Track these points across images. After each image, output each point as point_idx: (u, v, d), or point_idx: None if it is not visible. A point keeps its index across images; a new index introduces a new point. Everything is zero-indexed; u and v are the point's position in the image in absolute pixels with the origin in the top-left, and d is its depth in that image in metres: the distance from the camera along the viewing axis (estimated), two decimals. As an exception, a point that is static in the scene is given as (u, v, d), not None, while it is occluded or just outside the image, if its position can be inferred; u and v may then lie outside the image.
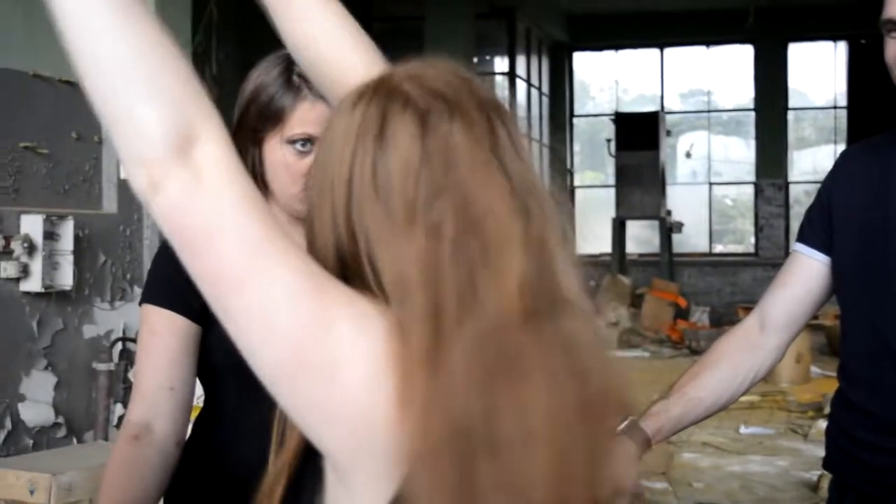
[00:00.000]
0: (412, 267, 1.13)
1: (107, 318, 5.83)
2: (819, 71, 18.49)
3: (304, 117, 2.00)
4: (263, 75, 2.05)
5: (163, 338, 2.01)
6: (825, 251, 2.23)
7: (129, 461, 1.91)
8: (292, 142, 2.01)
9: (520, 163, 1.21)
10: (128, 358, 5.83)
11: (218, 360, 2.03)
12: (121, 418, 5.81)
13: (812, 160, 18.90)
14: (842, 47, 17.60)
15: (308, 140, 2.00)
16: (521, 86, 17.37)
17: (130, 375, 5.70)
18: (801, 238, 2.29)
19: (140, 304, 2.09)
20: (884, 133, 2.20)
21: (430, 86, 1.25)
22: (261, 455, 2.04)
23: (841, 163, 2.29)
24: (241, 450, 2.06)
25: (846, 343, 2.24)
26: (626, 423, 2.15)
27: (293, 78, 2.01)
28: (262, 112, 2.03)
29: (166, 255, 2.07)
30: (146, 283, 2.12)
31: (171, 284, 1.99)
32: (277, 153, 2.03)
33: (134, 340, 5.73)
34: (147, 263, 6.03)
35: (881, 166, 2.15)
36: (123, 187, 5.97)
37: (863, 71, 16.13)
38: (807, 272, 2.26)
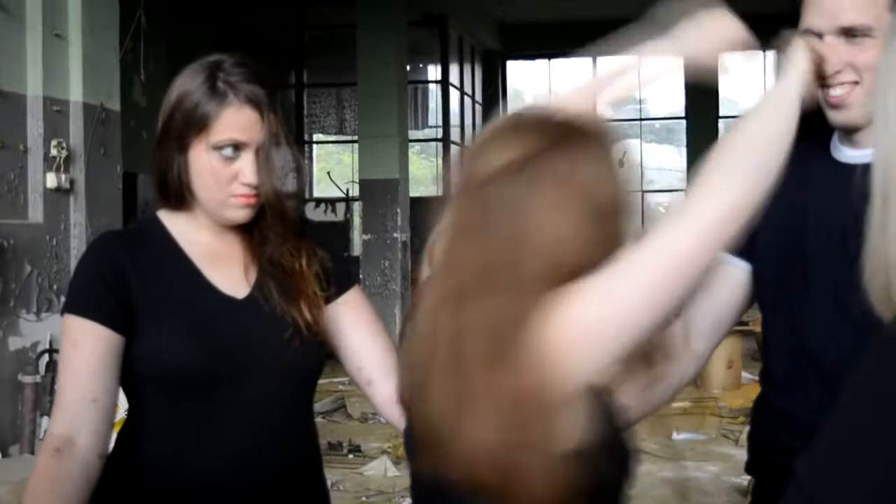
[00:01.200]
0: None
1: (33, 330, 5.73)
2: (748, 79, 18.72)
3: (229, 123, 1.99)
4: (188, 82, 2.03)
5: (85, 349, 1.97)
6: (745, 258, 2.24)
7: (51, 475, 1.88)
8: (218, 148, 1.99)
9: None
10: (54, 370, 5.73)
11: (140, 370, 2.01)
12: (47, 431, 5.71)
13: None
14: (770, 56, 17.84)
15: (234, 146, 1.99)
16: (454, 94, 17.39)
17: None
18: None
19: (62, 313, 2.05)
20: (805, 141, 2.21)
21: None
22: (183, 467, 2.02)
23: None
24: (164, 461, 2.03)
25: (768, 349, 2.25)
26: None
27: (218, 84, 2.00)
28: (186, 119, 2.01)
29: (88, 265, 2.06)
30: (68, 293, 2.08)
31: (94, 294, 1.99)
32: (203, 160, 2.01)
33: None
34: (74, 274, 5.94)
35: (800, 173, 2.16)
36: (49, 197, 5.87)
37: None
38: (729, 279, 2.27)
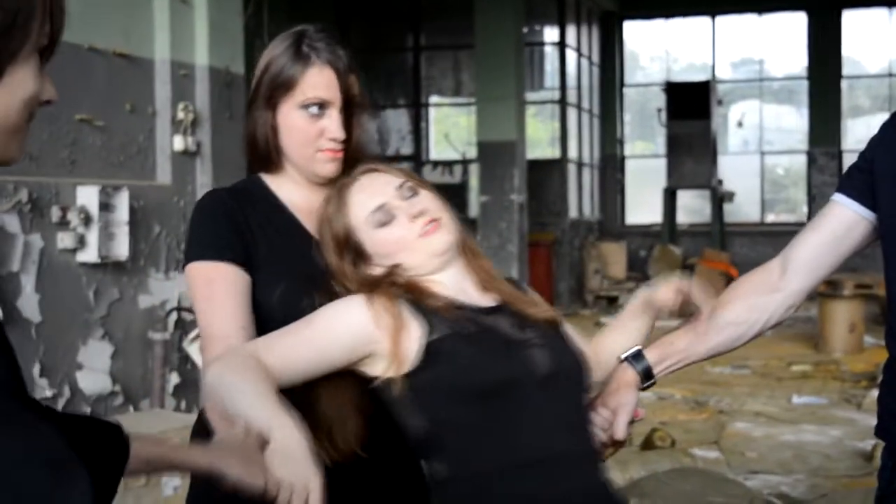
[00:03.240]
0: None
1: (162, 289, 5.90)
2: (873, 38, 18.26)
3: (313, 82, 2.16)
4: (274, 49, 2.21)
5: (222, 284, 2.08)
6: (861, 203, 2.20)
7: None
8: (305, 106, 2.16)
9: None
10: (182, 327, 5.91)
11: (268, 312, 2.10)
12: (176, 387, 5.88)
13: (866, 129, 18.68)
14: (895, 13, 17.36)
15: (319, 104, 2.15)
16: (571, 56, 17.30)
17: (185, 344, 5.77)
18: (840, 188, 2.27)
19: (184, 265, 2.15)
20: None
21: None
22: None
23: (888, 125, 2.26)
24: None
25: (894, 310, 2.20)
26: (630, 350, 2.21)
27: (302, 48, 2.16)
28: (274, 81, 2.18)
29: (206, 215, 2.17)
30: (189, 245, 2.18)
31: (218, 238, 2.12)
32: (292, 118, 2.18)
33: (189, 310, 5.80)
34: (201, 234, 6.08)
35: None
36: (177, 159, 6.03)
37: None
38: (838, 219, 2.23)
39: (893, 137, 2.20)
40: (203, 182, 6.15)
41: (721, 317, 2.25)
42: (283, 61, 2.17)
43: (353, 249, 2.08)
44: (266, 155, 2.23)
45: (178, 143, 6.01)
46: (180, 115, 6.03)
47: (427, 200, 2.10)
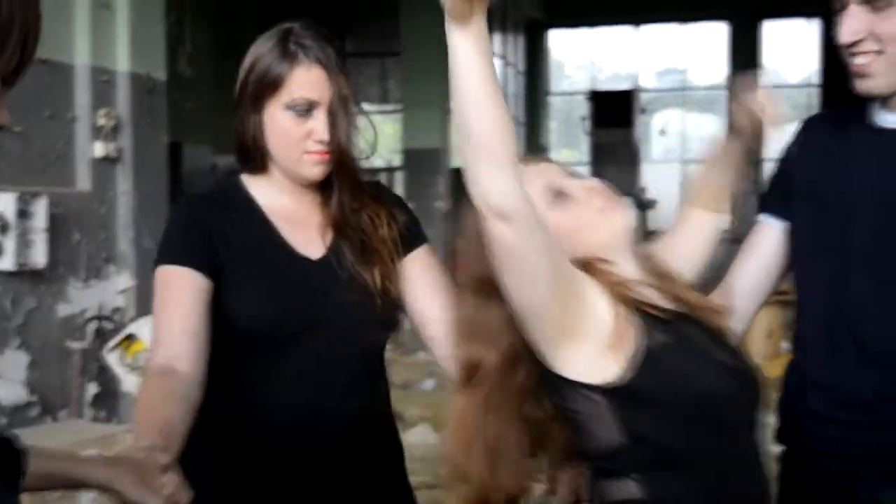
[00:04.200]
0: None
1: (81, 297, 5.82)
2: (793, 48, 18.54)
3: (300, 82, 2.10)
4: (260, 47, 2.16)
5: (180, 290, 2.06)
6: (786, 219, 2.25)
7: (159, 390, 1.93)
8: (291, 106, 2.11)
9: None
10: (102, 336, 5.82)
11: (217, 324, 2.08)
12: (95, 397, 5.81)
13: (786, 137, 18.98)
14: (815, 24, 17.61)
15: (306, 104, 2.10)
16: (496, 64, 17.33)
17: (104, 354, 5.70)
18: (763, 208, 2.32)
19: (154, 267, 2.14)
20: (848, 106, 2.22)
21: None
22: (252, 419, 2.11)
23: (801, 132, 2.32)
24: (233, 413, 2.13)
25: (802, 316, 2.25)
26: None
27: (289, 46, 2.11)
28: (260, 80, 2.13)
29: (178, 221, 2.17)
30: (159, 249, 2.16)
31: (184, 244, 2.10)
32: (277, 119, 2.12)
33: (108, 318, 5.73)
34: (122, 241, 6.03)
35: (841, 140, 2.17)
36: (97, 165, 5.95)
37: (836, 48, 16.17)
38: (768, 241, 2.29)
39: (806, 144, 2.26)
40: (124, 189, 6.08)
41: None
42: (269, 60, 2.12)
43: None
44: (253, 157, 2.19)
45: (99, 149, 5.94)
46: (101, 121, 5.95)
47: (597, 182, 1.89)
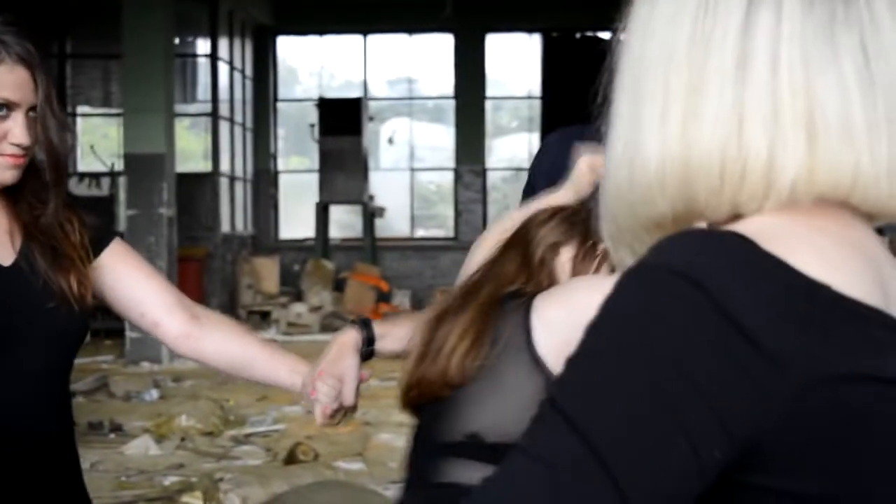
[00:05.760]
0: None
1: None
2: (516, 62, 19.11)
3: (1, 81, 1.95)
4: None
5: None
6: None
7: None
8: None
9: None
10: None
11: None
12: None
13: (509, 148, 19.55)
14: (536, 39, 18.22)
15: (5, 105, 1.96)
16: (223, 68, 17.13)
17: None
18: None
19: None
20: (581, 125, 2.32)
21: None
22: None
23: (543, 150, 2.43)
24: None
25: None
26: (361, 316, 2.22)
27: None
28: None
29: None
30: None
31: None
32: None
33: None
34: None
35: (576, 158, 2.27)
36: None
37: (556, 63, 16.74)
38: None
39: (547, 161, 2.37)
40: None
41: None
42: None
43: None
44: None
45: None
46: None
47: None
